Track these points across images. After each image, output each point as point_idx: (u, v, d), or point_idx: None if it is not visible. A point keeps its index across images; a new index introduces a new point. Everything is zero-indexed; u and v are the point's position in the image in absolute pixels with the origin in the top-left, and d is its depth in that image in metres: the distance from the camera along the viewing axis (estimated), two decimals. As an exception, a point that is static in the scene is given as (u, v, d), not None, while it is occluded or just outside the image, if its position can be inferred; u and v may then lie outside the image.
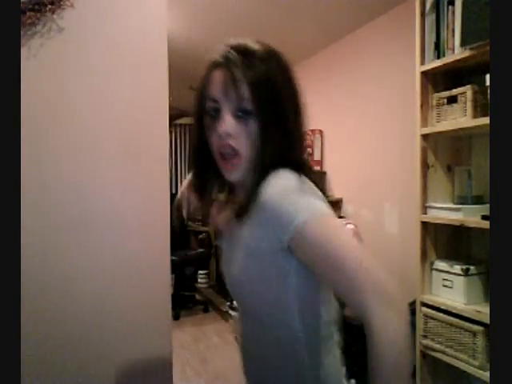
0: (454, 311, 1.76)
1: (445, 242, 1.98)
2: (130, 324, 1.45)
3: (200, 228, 5.10)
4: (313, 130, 3.54)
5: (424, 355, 1.94)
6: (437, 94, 1.88)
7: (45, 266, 1.33)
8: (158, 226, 1.49)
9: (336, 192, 3.28)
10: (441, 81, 1.94)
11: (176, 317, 3.94)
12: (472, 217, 1.72)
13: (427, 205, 1.93)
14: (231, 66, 0.73)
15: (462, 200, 1.88)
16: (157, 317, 1.49)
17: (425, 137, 1.92)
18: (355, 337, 2.34)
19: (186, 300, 4.44)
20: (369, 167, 2.89)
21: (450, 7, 1.77)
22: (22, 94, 1.17)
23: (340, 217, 2.83)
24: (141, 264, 1.46)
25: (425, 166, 1.93)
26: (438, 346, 1.84)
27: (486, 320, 1.61)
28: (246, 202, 0.74)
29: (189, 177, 0.99)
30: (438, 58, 1.84)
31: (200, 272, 5.03)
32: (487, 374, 1.61)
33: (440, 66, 1.83)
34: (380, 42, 2.79)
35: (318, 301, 0.78)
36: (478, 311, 1.67)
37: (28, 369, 1.28)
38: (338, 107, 3.28)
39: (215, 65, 0.76)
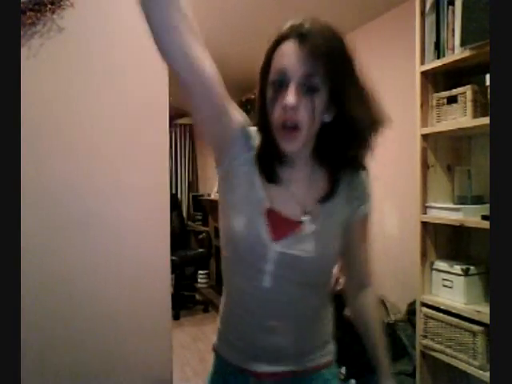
0: (453, 311, 1.76)
1: (445, 242, 1.97)
2: (130, 324, 1.45)
3: (200, 228, 5.10)
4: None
5: (424, 355, 1.94)
6: (437, 94, 1.88)
7: (44, 266, 1.33)
8: (158, 226, 1.49)
9: (336, 192, 3.27)
10: (441, 81, 1.94)
11: (176, 317, 3.94)
12: (472, 217, 1.72)
13: (427, 205, 1.93)
14: (305, 38, 0.74)
15: (462, 200, 1.88)
16: (157, 317, 1.49)
17: (425, 137, 1.92)
18: (355, 337, 2.34)
19: (185, 300, 4.44)
20: (369, 167, 2.89)
21: (450, 7, 1.77)
22: (21, 94, 1.17)
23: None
24: (141, 264, 1.46)
25: (425, 166, 1.93)
26: (437, 346, 1.84)
27: (486, 320, 1.60)
28: (334, 183, 0.86)
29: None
30: (438, 58, 1.84)
31: (200, 272, 5.03)
32: (487, 373, 1.61)
33: (440, 66, 1.83)
34: (380, 42, 2.79)
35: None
36: (478, 311, 1.67)
37: (28, 369, 1.28)
38: (338, 107, 3.28)
39: (286, 37, 0.76)
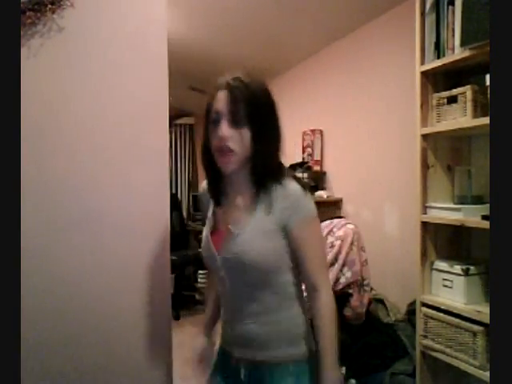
0: (454, 311, 1.76)
1: (445, 242, 1.97)
2: (130, 324, 1.45)
3: (200, 228, 5.09)
4: (313, 130, 3.54)
5: (424, 355, 1.94)
6: (437, 94, 1.88)
7: (44, 266, 1.33)
8: (158, 226, 1.49)
9: (336, 192, 3.28)
10: (441, 81, 1.94)
11: (176, 317, 3.94)
12: (472, 217, 1.72)
13: (427, 205, 1.93)
14: (231, 89, 1.01)
15: (462, 200, 1.88)
16: (157, 317, 1.49)
17: (425, 137, 1.92)
18: (355, 337, 2.34)
19: (185, 300, 4.44)
20: (369, 167, 2.89)
21: (450, 7, 1.77)
22: (21, 94, 1.17)
23: (340, 217, 2.83)
24: (141, 264, 1.46)
25: (425, 166, 1.93)
26: (437, 346, 1.84)
27: (486, 320, 1.61)
28: (256, 193, 1.05)
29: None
30: (438, 58, 1.84)
31: (200, 272, 5.02)
32: (487, 373, 1.61)
33: (440, 66, 1.83)
34: (380, 42, 2.79)
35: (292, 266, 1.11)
36: (478, 311, 1.67)
37: (28, 369, 1.28)
38: (338, 107, 3.28)
39: (220, 87, 1.04)
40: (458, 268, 1.79)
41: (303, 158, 3.63)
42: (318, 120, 3.52)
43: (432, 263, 1.93)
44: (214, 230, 1.14)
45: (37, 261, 1.31)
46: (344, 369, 2.19)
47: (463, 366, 1.72)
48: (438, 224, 1.90)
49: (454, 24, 1.76)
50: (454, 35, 1.76)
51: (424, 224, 1.93)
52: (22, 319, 1.18)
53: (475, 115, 1.69)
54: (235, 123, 1.00)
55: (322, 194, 3.20)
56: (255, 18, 2.89)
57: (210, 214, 1.18)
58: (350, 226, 2.45)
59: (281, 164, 1.09)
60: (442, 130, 1.84)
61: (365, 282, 2.35)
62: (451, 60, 1.77)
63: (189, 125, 5.99)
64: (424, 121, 1.93)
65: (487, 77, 1.65)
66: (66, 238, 1.35)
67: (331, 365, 1.04)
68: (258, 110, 1.01)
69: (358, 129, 3.03)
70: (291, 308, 1.10)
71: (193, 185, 6.00)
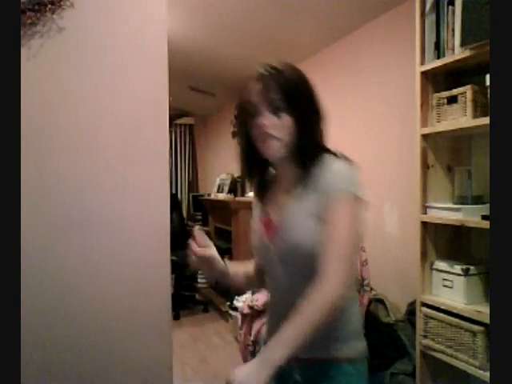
0: (454, 311, 1.76)
1: (445, 242, 1.97)
2: (130, 324, 1.45)
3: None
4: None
5: (424, 355, 1.94)
6: (437, 94, 1.88)
7: (44, 266, 1.33)
8: (158, 226, 1.49)
9: (336, 192, 3.26)
10: (441, 81, 1.94)
11: (176, 317, 3.94)
12: (472, 217, 1.72)
13: (427, 205, 1.93)
14: (265, 78, 1.01)
15: (462, 200, 1.88)
16: (157, 317, 1.49)
17: (425, 137, 1.92)
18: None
19: (185, 300, 4.44)
20: (368, 167, 2.89)
21: (450, 7, 1.77)
22: (22, 94, 1.17)
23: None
24: (141, 264, 1.46)
25: (425, 166, 1.93)
26: (438, 346, 1.84)
27: (486, 320, 1.60)
28: (303, 178, 1.03)
29: None
30: (438, 58, 1.84)
31: (200, 272, 5.02)
32: (487, 373, 1.61)
33: (440, 66, 1.83)
34: (380, 42, 2.79)
35: None
36: (478, 311, 1.67)
37: (28, 369, 1.28)
38: (338, 107, 3.28)
39: (253, 78, 1.03)
40: (457, 268, 1.79)
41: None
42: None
43: (432, 263, 1.93)
44: (264, 220, 1.11)
45: (37, 261, 1.31)
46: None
47: (463, 366, 1.72)
48: (437, 224, 1.90)
49: (454, 24, 1.76)
50: (453, 35, 1.76)
51: (424, 224, 1.93)
52: (22, 319, 1.18)
53: (475, 115, 1.69)
54: (274, 110, 1.00)
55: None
56: (255, 18, 2.89)
57: (257, 207, 1.16)
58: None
59: (324, 146, 1.06)
60: (442, 130, 1.84)
61: (365, 282, 2.35)
62: (451, 60, 1.77)
63: (189, 125, 6.00)
64: (424, 121, 1.93)
65: (487, 77, 1.65)
66: (66, 238, 1.35)
67: (282, 341, 0.88)
68: (294, 95, 1.01)
69: (358, 129, 3.03)
70: (347, 302, 1.00)
71: (193, 185, 6.00)
